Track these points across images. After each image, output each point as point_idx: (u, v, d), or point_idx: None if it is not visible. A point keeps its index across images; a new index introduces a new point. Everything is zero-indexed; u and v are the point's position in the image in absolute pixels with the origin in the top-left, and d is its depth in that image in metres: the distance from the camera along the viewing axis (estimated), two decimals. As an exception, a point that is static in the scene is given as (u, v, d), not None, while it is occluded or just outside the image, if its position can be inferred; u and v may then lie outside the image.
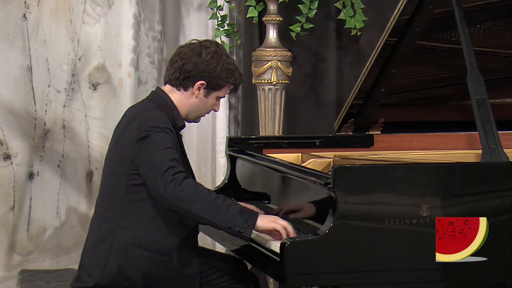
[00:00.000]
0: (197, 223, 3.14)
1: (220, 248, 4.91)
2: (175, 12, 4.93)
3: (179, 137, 3.18)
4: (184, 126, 3.23)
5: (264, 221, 2.96)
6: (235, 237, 3.02)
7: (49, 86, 4.61)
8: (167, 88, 3.22)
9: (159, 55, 4.85)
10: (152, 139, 3.01)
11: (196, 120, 3.28)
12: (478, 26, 3.66)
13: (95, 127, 4.69)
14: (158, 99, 3.19)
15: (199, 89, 3.17)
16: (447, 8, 3.35)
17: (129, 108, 3.32)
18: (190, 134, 4.86)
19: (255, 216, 2.96)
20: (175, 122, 3.16)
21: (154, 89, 3.30)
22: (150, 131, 3.02)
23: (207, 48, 3.18)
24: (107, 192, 3.15)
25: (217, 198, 2.94)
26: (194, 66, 3.16)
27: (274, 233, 2.98)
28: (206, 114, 3.29)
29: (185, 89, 3.18)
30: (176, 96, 3.19)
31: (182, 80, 3.17)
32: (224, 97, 3.27)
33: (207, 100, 3.20)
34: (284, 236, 2.93)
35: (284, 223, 2.97)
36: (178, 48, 3.27)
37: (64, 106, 4.65)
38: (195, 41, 3.24)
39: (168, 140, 3.03)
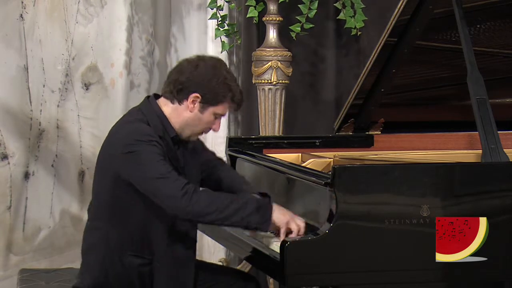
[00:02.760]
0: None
1: (218, 249, 4.92)
2: (166, 14, 4.93)
3: (174, 149, 3.06)
4: (177, 136, 3.09)
5: (280, 217, 2.97)
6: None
7: (44, 86, 4.61)
8: (161, 101, 3.08)
9: (151, 58, 4.85)
10: (139, 155, 2.92)
11: (191, 137, 3.10)
12: (478, 26, 3.66)
13: (87, 127, 4.70)
14: (147, 109, 3.06)
15: (193, 102, 3.01)
16: (447, 8, 3.35)
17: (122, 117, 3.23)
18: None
19: (270, 210, 2.95)
20: (167, 133, 3.04)
21: (147, 95, 3.17)
22: (135, 144, 2.94)
23: (205, 61, 3.06)
24: (96, 201, 3.11)
25: (231, 203, 2.92)
26: (188, 78, 3.02)
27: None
28: (204, 134, 3.12)
29: (180, 102, 3.03)
30: (170, 109, 3.05)
31: (177, 93, 3.03)
32: (223, 115, 3.09)
33: (202, 116, 3.04)
34: (294, 235, 2.94)
35: (299, 224, 2.97)
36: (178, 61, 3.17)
37: (58, 106, 4.66)
38: (197, 55, 3.13)
39: (157, 153, 2.95)
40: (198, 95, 3.02)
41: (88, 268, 3.09)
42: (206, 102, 3.03)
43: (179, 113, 3.05)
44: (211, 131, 3.13)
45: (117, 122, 3.13)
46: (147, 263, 3.04)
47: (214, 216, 2.91)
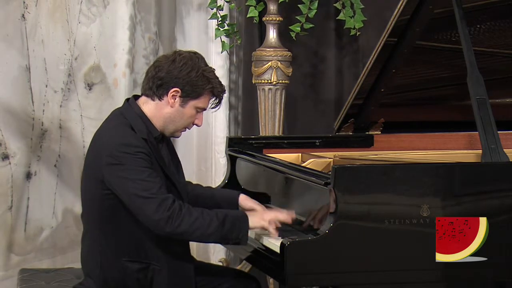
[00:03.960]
0: None
1: (218, 249, 4.92)
2: (170, 13, 4.93)
3: (159, 149, 3.05)
4: (160, 135, 3.08)
5: (254, 222, 3.01)
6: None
7: (46, 86, 4.61)
8: (141, 100, 3.07)
9: (154, 57, 4.85)
10: (126, 169, 2.91)
11: (174, 134, 3.10)
12: (478, 26, 3.66)
13: (90, 127, 4.69)
14: (129, 113, 3.05)
15: (173, 97, 3.01)
16: (447, 8, 3.35)
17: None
18: (190, 134, 4.86)
19: (246, 223, 2.98)
20: (151, 133, 3.02)
21: (126, 97, 3.15)
22: (121, 156, 2.92)
23: (181, 55, 3.04)
24: (86, 210, 3.10)
25: (211, 222, 2.93)
26: (167, 72, 3.00)
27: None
28: (187, 129, 3.11)
29: (160, 98, 3.02)
30: (150, 107, 3.04)
31: (156, 89, 3.02)
32: (205, 108, 3.07)
33: (184, 110, 3.03)
34: (273, 228, 3.00)
35: (270, 217, 3.02)
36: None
37: (60, 106, 4.66)
38: (174, 50, 3.12)
39: (145, 167, 2.93)
40: (177, 89, 3.01)
41: (88, 273, 3.10)
42: (186, 95, 3.02)
43: (160, 110, 3.04)
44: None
45: (101, 126, 3.11)
46: (145, 267, 3.03)
47: (196, 235, 2.94)
